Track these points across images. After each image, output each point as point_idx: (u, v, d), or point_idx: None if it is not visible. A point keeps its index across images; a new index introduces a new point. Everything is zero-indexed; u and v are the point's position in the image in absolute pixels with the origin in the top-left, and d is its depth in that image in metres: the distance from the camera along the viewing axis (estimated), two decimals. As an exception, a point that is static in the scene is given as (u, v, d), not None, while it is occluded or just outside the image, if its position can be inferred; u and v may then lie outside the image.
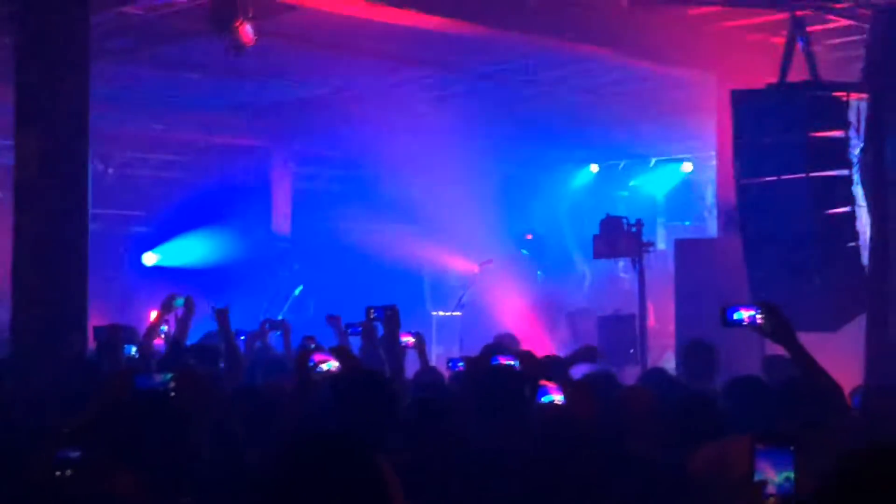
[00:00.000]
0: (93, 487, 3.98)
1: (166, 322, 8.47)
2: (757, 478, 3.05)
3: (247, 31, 8.99)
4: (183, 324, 8.13)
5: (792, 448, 2.87)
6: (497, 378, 5.09)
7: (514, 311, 15.72)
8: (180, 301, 8.35)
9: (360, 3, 9.85)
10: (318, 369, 5.01)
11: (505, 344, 8.05)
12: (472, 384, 5.26)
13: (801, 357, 4.77)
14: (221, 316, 7.84)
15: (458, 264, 17.96)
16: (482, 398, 4.94)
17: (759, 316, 4.82)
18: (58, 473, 3.98)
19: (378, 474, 2.73)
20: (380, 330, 7.11)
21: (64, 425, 4.32)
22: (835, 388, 4.72)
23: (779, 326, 4.80)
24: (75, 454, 4.02)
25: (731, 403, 5.05)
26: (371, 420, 4.47)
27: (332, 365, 5.01)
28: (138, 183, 17.21)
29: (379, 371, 5.41)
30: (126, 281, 16.66)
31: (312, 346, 7.89)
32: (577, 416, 4.38)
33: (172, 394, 4.44)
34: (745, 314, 4.87)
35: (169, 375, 4.51)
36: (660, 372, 7.66)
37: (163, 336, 8.44)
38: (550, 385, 4.57)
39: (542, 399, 4.57)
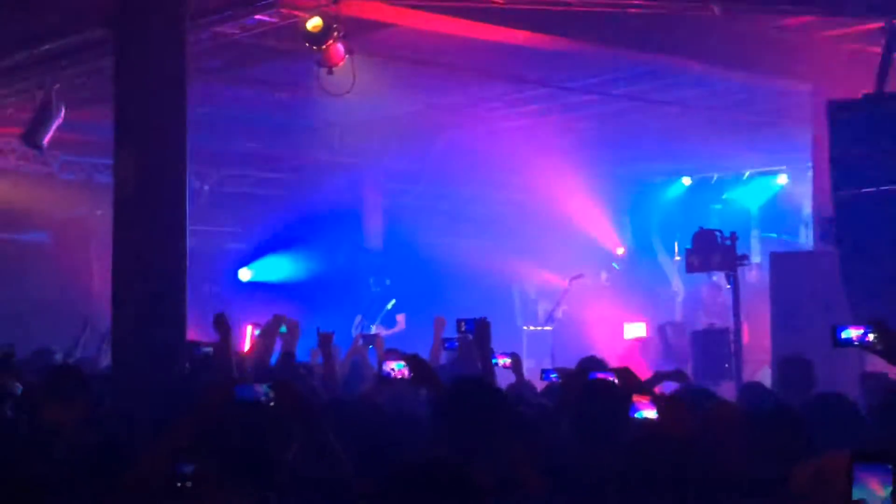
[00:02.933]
0: (210, 500, 4.09)
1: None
2: (855, 496, 2.98)
3: (337, 49, 9.09)
4: (289, 345, 8.28)
5: (891, 466, 2.81)
6: (595, 393, 5.05)
7: (604, 325, 15.61)
8: (283, 327, 8.49)
9: (448, 19, 9.90)
10: (386, 372, 5.09)
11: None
12: (569, 398, 5.23)
13: None
14: (325, 339, 7.95)
15: (549, 279, 17.92)
16: (579, 412, 4.91)
17: (870, 334, 4.71)
18: (179, 485, 4.09)
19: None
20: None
21: (171, 437, 4.42)
22: None
23: (891, 344, 4.69)
24: (192, 467, 4.13)
25: (818, 419, 4.94)
26: (482, 428, 4.43)
27: (400, 366, 5.07)
28: (234, 199, 17.48)
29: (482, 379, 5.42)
30: (222, 296, 16.90)
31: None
32: (671, 433, 4.33)
33: (272, 404, 4.51)
34: (854, 333, 4.77)
35: (267, 386, 4.58)
36: (758, 387, 7.54)
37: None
38: (643, 400, 4.53)
39: (635, 415, 4.53)
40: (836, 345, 4.81)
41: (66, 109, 11.58)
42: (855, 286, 9.52)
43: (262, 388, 4.55)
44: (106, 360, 10.03)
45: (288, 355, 8.02)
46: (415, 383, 5.41)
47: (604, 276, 18.08)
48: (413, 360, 5.30)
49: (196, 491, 4.12)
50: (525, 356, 15.69)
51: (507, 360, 7.41)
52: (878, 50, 9.93)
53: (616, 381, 5.25)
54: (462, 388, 4.79)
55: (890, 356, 4.73)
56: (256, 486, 4.26)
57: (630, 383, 5.16)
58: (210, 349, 7.83)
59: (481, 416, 4.48)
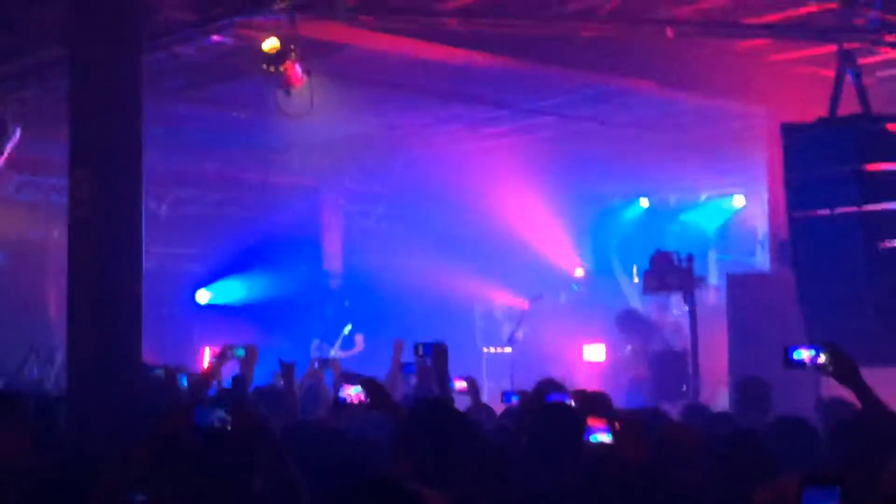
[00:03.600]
0: None
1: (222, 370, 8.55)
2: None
3: (295, 70, 9.08)
4: (247, 371, 8.20)
5: (839, 489, 2.84)
6: (550, 416, 5.03)
7: (564, 346, 15.64)
8: (241, 351, 8.40)
9: (405, 40, 9.92)
10: (342, 398, 5.05)
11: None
12: (527, 421, 5.21)
13: (867, 396, 4.67)
14: (287, 369, 7.87)
15: (509, 300, 17.94)
16: (535, 436, 4.89)
17: (821, 356, 4.73)
18: None
19: None
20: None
21: (127, 464, 4.36)
22: None
23: (842, 366, 4.71)
24: (143, 497, 4.07)
25: (778, 443, 4.97)
26: (443, 452, 4.39)
27: (357, 390, 5.04)
28: (191, 221, 17.36)
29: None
30: (180, 318, 16.78)
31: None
32: (627, 457, 4.30)
33: (229, 428, 4.48)
34: (806, 354, 4.78)
35: (225, 411, 4.54)
36: (700, 407, 7.62)
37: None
38: (597, 423, 4.50)
39: (590, 438, 4.51)
40: (788, 366, 4.81)
41: (21, 130, 11.49)
42: (810, 307, 9.59)
43: (219, 413, 4.53)
44: (49, 383, 9.91)
45: (239, 380, 7.91)
46: (371, 408, 5.37)
47: (563, 297, 18.12)
48: (369, 385, 5.25)
49: None
50: (485, 378, 15.81)
51: (463, 384, 7.31)
52: (831, 73, 10.05)
53: (573, 403, 5.24)
54: (423, 411, 4.76)
55: (841, 378, 4.74)
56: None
57: (586, 405, 5.15)
58: (162, 372, 7.77)
59: (443, 439, 4.45)
